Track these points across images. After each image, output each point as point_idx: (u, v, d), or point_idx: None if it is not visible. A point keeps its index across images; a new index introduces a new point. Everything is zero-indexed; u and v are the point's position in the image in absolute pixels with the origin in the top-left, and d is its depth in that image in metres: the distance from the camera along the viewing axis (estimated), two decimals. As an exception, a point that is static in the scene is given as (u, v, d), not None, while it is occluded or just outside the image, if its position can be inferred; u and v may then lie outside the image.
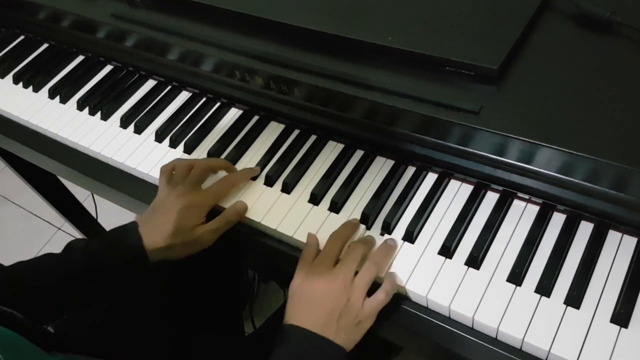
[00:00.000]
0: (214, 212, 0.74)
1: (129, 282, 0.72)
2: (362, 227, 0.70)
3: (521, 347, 0.58)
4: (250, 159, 0.80)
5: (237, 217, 0.73)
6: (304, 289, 0.64)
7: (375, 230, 0.70)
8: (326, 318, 0.60)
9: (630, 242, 0.62)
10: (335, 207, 0.72)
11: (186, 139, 0.85)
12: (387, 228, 0.69)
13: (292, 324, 0.61)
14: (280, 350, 0.60)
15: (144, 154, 0.85)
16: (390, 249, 0.66)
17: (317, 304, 0.62)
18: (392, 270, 0.65)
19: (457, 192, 0.70)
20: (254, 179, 0.78)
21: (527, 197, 0.67)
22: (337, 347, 0.59)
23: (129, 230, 0.70)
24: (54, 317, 0.73)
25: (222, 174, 0.79)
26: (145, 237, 0.69)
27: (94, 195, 1.58)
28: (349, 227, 0.68)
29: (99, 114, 0.93)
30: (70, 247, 0.71)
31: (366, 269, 0.63)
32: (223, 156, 0.81)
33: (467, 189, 0.70)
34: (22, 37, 1.12)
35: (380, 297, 0.62)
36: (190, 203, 0.71)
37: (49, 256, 0.71)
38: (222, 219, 0.72)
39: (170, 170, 0.76)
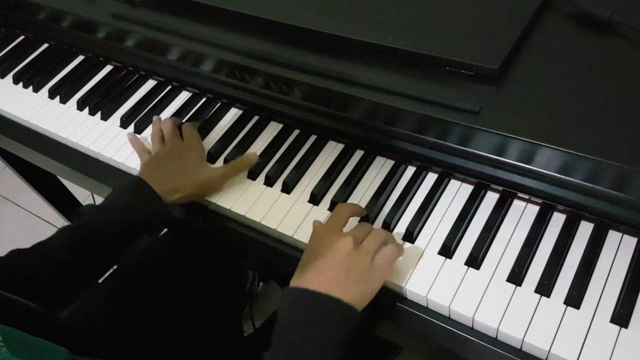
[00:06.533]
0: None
1: (151, 228, 0.75)
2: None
3: (521, 347, 0.58)
4: (250, 159, 0.80)
5: (247, 166, 0.78)
6: (314, 244, 0.65)
7: (375, 230, 0.69)
8: (335, 274, 0.59)
9: (630, 242, 0.62)
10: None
11: (186, 139, 0.85)
12: (387, 228, 0.69)
13: (296, 287, 0.60)
14: (285, 314, 0.59)
15: (144, 154, 0.85)
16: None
17: (324, 259, 0.61)
18: (392, 269, 0.64)
19: (457, 192, 0.70)
20: (254, 177, 0.78)
21: (527, 197, 0.67)
22: (345, 305, 0.57)
23: (134, 181, 0.73)
24: (69, 299, 0.73)
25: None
26: (154, 184, 0.72)
27: (94, 195, 1.58)
28: (355, 206, 0.70)
29: (99, 114, 0.93)
30: (82, 213, 0.72)
31: (375, 233, 0.64)
32: (223, 156, 0.81)
33: (467, 189, 0.70)
34: (22, 37, 1.12)
35: (388, 251, 0.62)
36: (189, 147, 0.79)
37: (63, 229, 0.71)
38: (232, 165, 0.78)
39: (159, 134, 0.83)
